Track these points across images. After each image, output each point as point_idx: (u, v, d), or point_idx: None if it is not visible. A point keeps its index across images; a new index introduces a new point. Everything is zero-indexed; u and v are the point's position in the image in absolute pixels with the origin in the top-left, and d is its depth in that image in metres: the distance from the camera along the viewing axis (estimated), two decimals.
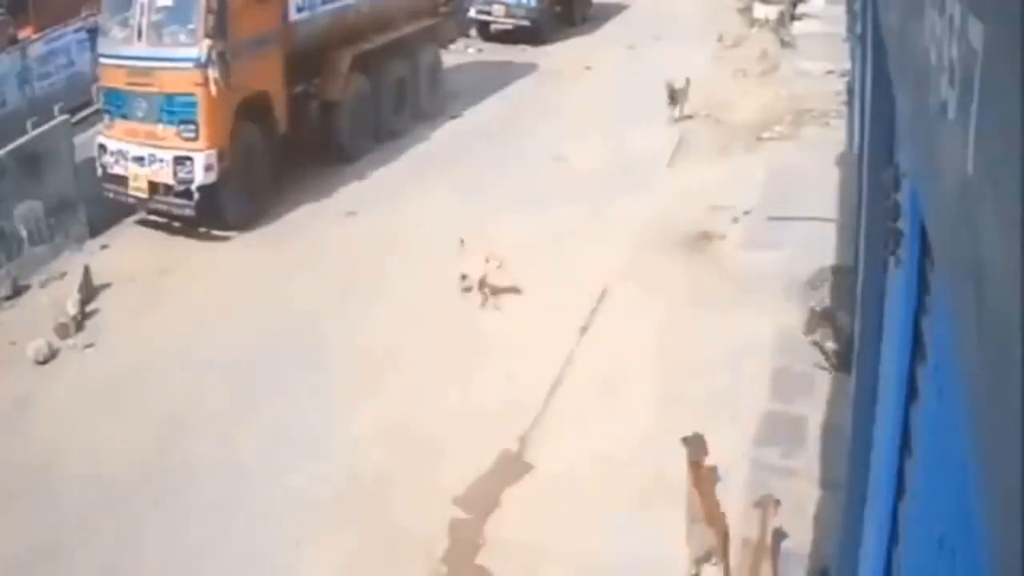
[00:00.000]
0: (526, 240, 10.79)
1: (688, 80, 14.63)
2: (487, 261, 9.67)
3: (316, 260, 11.02)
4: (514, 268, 9.77)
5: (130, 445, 7.98)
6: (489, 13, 20.27)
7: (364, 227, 11.84)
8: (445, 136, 15.06)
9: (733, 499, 6.69)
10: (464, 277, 9.76)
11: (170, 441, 8.06)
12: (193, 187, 11.38)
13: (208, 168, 11.32)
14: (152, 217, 12.24)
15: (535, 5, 20.05)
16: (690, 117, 14.72)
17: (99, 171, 11.92)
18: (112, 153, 11.81)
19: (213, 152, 11.35)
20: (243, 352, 9.22)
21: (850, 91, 12.39)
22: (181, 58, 11.24)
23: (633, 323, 9.12)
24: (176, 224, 12.05)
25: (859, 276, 4.58)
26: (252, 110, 11.94)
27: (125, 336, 9.82)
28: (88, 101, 13.36)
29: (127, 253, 11.68)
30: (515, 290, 9.76)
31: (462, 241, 10.07)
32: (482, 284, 9.66)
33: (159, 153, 11.51)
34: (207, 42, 11.05)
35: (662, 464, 7.17)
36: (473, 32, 20.67)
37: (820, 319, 8.23)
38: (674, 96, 14.54)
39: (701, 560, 6.01)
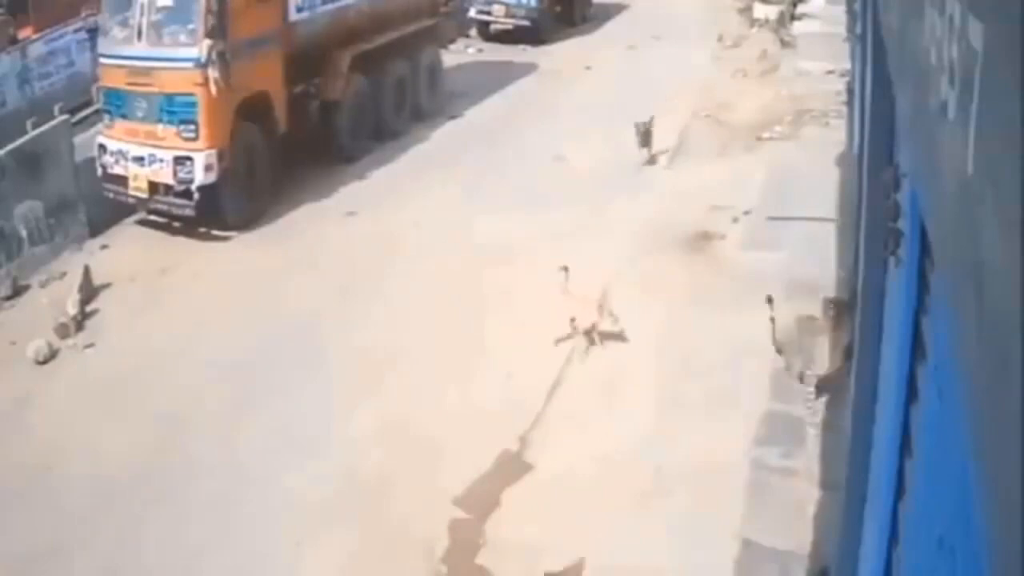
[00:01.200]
0: (526, 240, 10.80)
1: (652, 118, 13.24)
2: (600, 312, 8.94)
3: (316, 260, 11.03)
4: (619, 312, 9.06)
5: (130, 445, 7.98)
6: (489, 13, 20.27)
7: (364, 227, 11.84)
8: (445, 136, 15.06)
9: (734, 500, 6.70)
10: (573, 320, 8.93)
11: (170, 441, 8.06)
12: (193, 187, 11.38)
13: (208, 168, 11.33)
14: (152, 217, 12.24)
15: (535, 5, 20.05)
16: (655, 158, 13.28)
17: (99, 171, 11.93)
18: (112, 153, 11.81)
19: (213, 152, 11.35)
20: (243, 352, 9.22)
21: (850, 91, 12.39)
22: (181, 58, 11.24)
23: (633, 323, 9.11)
24: (176, 224, 12.05)
25: (859, 276, 4.58)
26: (252, 110, 11.94)
27: (125, 336, 9.83)
28: (88, 101, 13.38)
29: (127, 253, 11.68)
30: (621, 337, 8.94)
31: (566, 269, 9.13)
32: (592, 331, 8.97)
33: (159, 153, 11.51)
34: (207, 42, 11.06)
35: (662, 464, 7.18)
36: (473, 32, 20.68)
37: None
38: (645, 136, 13.12)
39: None
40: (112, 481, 7.56)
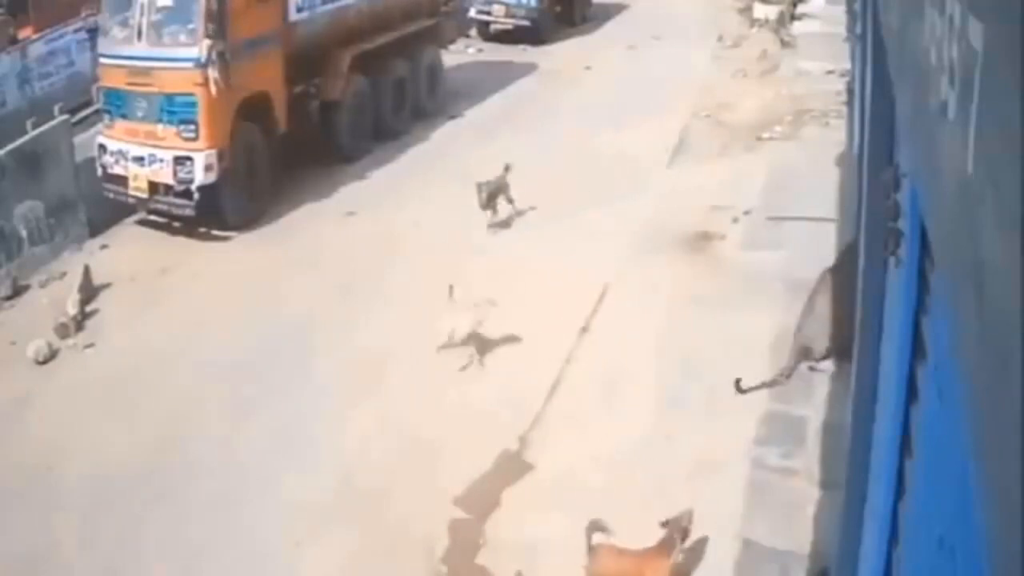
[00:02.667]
0: (526, 240, 10.80)
1: (508, 167, 11.47)
2: (478, 318, 8.61)
3: (316, 260, 11.02)
4: (508, 315, 8.76)
5: (130, 445, 7.98)
6: (489, 13, 20.27)
7: (364, 227, 11.84)
8: (445, 136, 15.07)
9: (734, 499, 6.70)
10: (451, 335, 8.68)
11: (170, 441, 8.06)
12: (193, 187, 11.38)
13: (208, 168, 11.33)
14: (152, 217, 12.24)
15: (535, 5, 20.05)
16: (510, 221, 11.59)
17: (99, 171, 11.93)
18: (112, 153, 11.81)
19: (213, 152, 11.36)
20: (243, 352, 9.22)
21: (850, 91, 12.39)
22: (181, 58, 11.25)
23: (633, 323, 9.11)
24: (176, 224, 12.05)
25: (859, 276, 4.58)
26: (252, 110, 11.95)
27: (125, 336, 9.83)
28: (88, 101, 13.38)
29: (127, 253, 11.68)
30: (513, 338, 8.82)
31: (451, 288, 8.89)
32: (470, 339, 8.68)
33: (159, 153, 11.51)
34: (207, 42, 11.06)
35: (662, 464, 7.18)
36: (473, 32, 20.67)
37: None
38: (492, 197, 11.25)
39: None
40: (112, 481, 7.56)
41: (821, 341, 8.03)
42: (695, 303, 9.32)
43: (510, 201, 11.53)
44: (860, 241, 4.89)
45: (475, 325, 8.72)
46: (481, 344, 8.79)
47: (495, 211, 11.44)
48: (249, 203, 12.11)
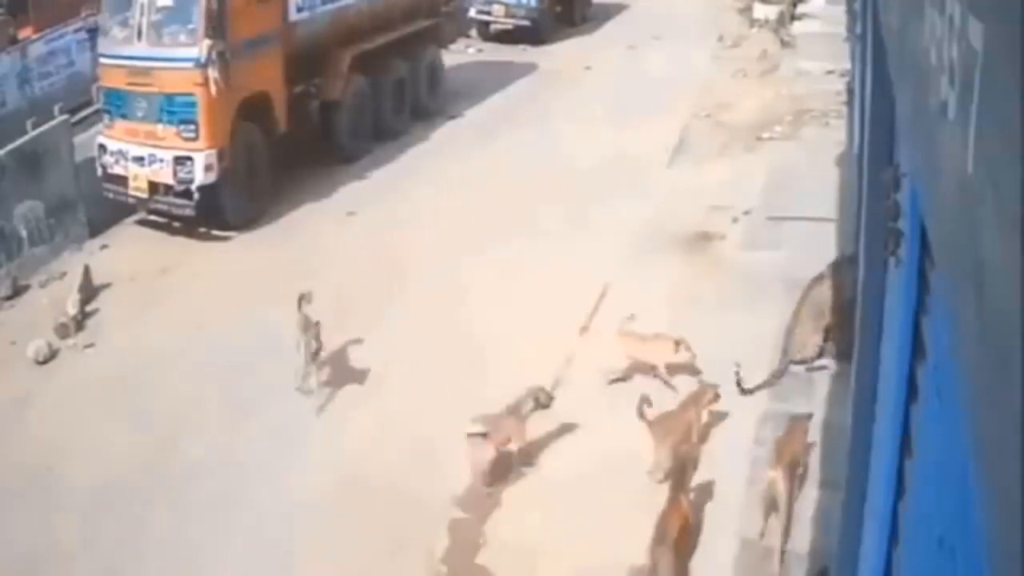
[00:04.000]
0: (526, 239, 10.80)
1: (304, 296, 8.74)
2: (676, 350, 8.09)
3: (316, 260, 11.02)
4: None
5: (130, 445, 7.98)
6: (489, 13, 20.26)
7: (364, 227, 11.84)
8: (445, 136, 15.07)
9: (734, 498, 6.71)
10: (631, 360, 8.29)
11: (170, 441, 8.06)
12: (193, 187, 11.38)
13: (208, 168, 11.33)
14: (152, 217, 12.24)
15: (535, 5, 20.05)
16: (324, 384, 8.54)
17: (99, 171, 11.93)
18: (112, 153, 11.81)
19: (213, 152, 11.36)
20: (243, 352, 9.21)
21: (850, 91, 12.40)
22: (181, 58, 11.25)
23: (633, 323, 9.10)
24: (176, 224, 12.05)
25: (859, 276, 4.58)
26: (252, 110, 11.95)
27: (125, 336, 9.82)
28: (88, 101, 13.38)
29: (127, 253, 11.68)
30: (693, 369, 8.20)
31: (631, 317, 8.41)
32: (656, 369, 8.26)
33: (159, 153, 11.51)
34: (207, 42, 11.06)
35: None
36: (473, 32, 20.67)
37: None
38: (315, 349, 8.52)
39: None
40: (112, 481, 7.56)
41: (811, 343, 8.10)
42: (695, 303, 9.32)
43: (315, 350, 8.54)
44: (860, 242, 4.89)
45: (667, 357, 8.21)
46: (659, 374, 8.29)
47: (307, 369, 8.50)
48: (249, 203, 12.11)
